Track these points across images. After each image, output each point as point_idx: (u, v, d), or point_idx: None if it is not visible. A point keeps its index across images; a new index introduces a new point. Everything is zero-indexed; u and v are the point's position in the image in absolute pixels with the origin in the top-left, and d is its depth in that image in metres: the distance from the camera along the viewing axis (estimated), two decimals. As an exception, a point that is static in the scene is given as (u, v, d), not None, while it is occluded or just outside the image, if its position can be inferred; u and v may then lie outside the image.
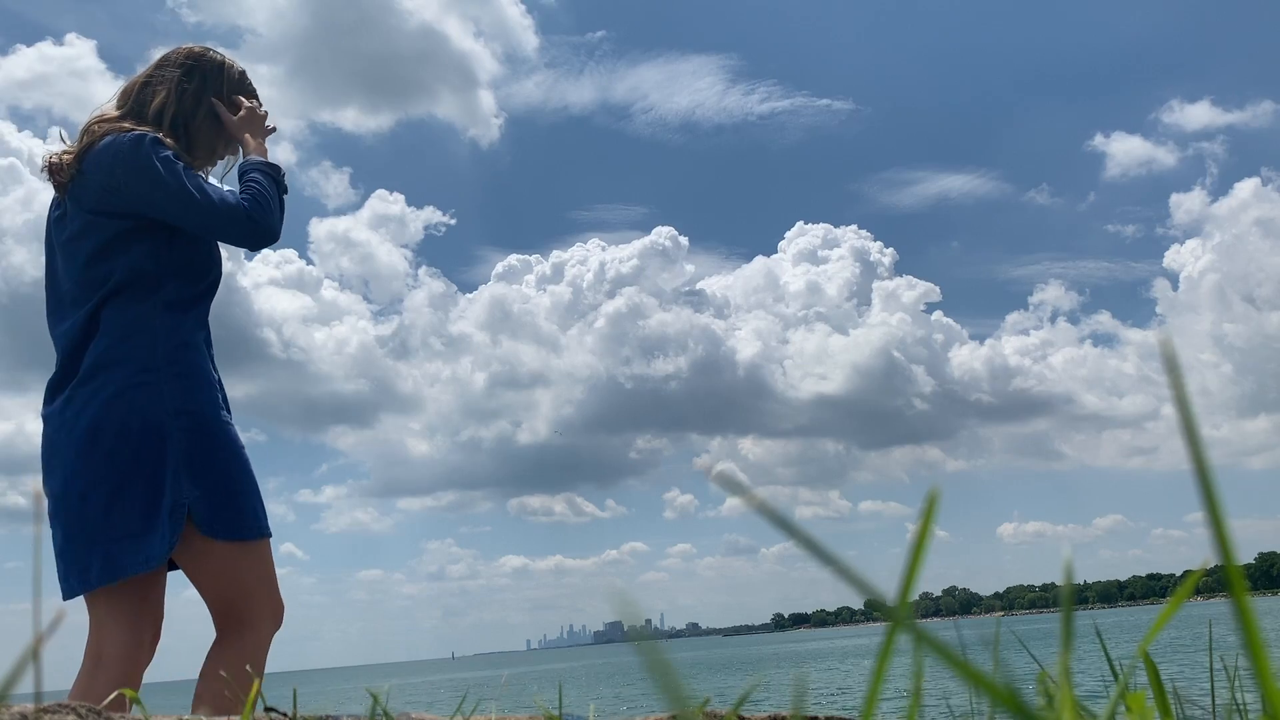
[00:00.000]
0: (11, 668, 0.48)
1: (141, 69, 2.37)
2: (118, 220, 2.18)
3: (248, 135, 2.37)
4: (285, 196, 2.34)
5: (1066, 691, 0.49)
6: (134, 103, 2.30)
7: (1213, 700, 1.00)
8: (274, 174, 2.30)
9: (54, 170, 2.25)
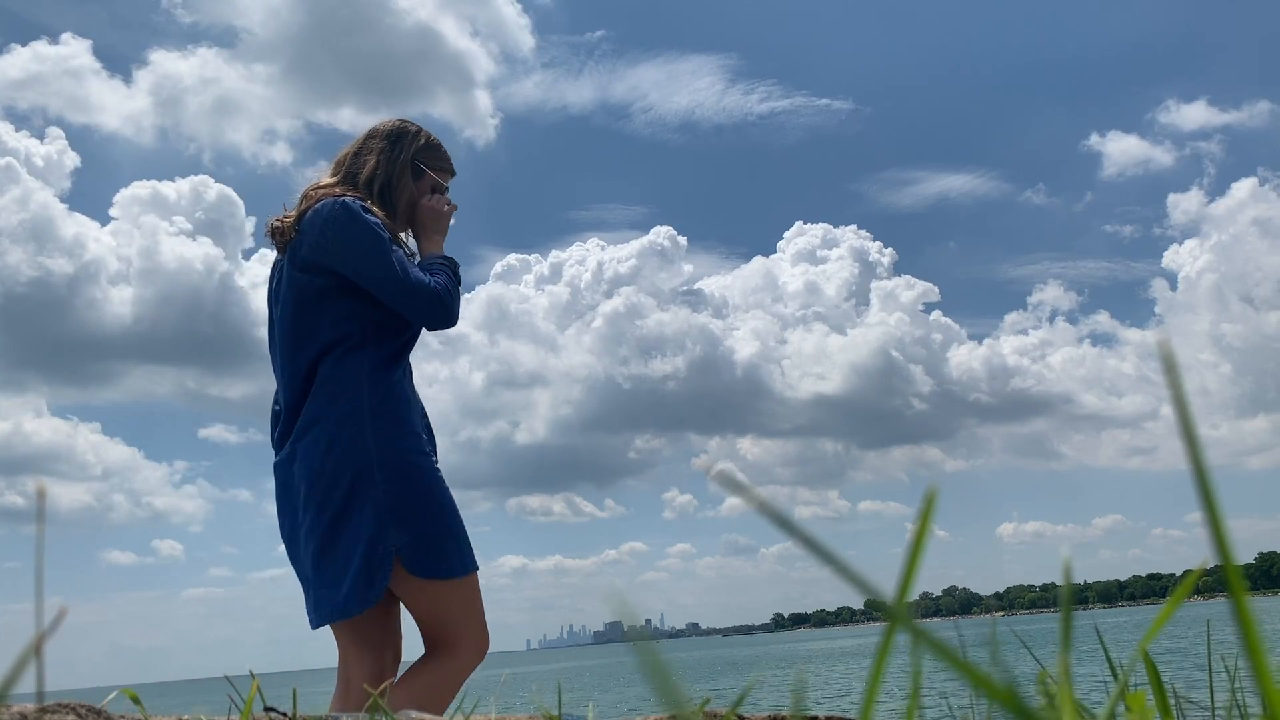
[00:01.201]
0: (12, 667, 0.48)
1: (350, 142, 2.57)
2: (324, 277, 2.34)
3: (432, 230, 2.56)
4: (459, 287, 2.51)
5: (1067, 691, 0.49)
6: (346, 171, 2.50)
7: (1211, 700, 1.00)
8: (455, 269, 2.49)
9: (276, 233, 2.43)
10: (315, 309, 2.34)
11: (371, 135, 2.54)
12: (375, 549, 2.22)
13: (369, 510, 2.23)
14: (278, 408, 2.45)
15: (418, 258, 2.53)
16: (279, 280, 2.44)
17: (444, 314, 2.40)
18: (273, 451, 2.43)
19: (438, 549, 2.27)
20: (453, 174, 2.63)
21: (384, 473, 2.24)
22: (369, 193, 2.46)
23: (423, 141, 2.57)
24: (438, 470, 2.35)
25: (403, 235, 2.55)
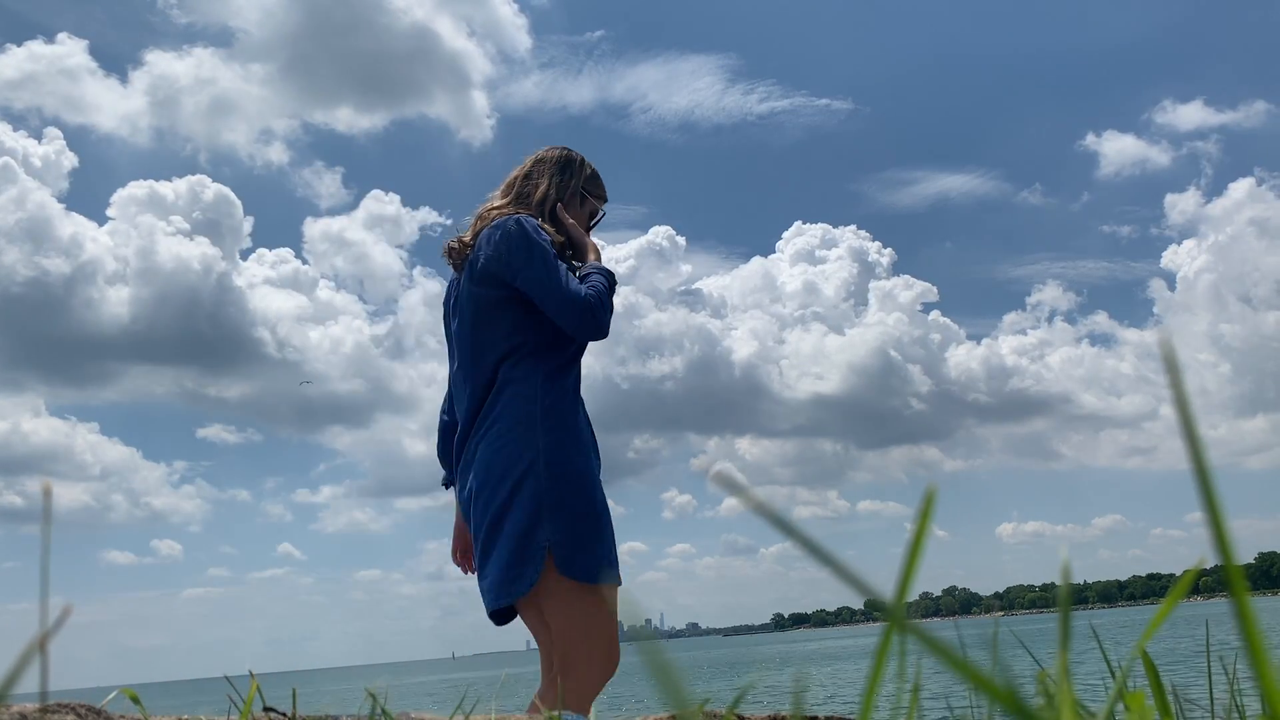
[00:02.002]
0: (14, 665, 0.48)
1: (519, 165, 2.73)
2: (500, 289, 2.50)
3: (590, 242, 2.69)
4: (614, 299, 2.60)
5: (1066, 691, 0.49)
6: (518, 193, 2.67)
7: (1211, 700, 1.00)
8: (611, 279, 2.57)
9: (453, 252, 2.61)
10: (493, 319, 2.50)
11: (541, 161, 2.72)
12: (528, 542, 2.33)
13: (529, 505, 2.34)
14: (446, 418, 2.69)
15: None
16: (456, 296, 2.61)
17: (593, 324, 2.49)
18: (441, 465, 2.66)
19: (588, 551, 2.37)
20: (606, 201, 2.81)
21: (548, 471, 2.36)
22: (540, 213, 2.63)
23: (588, 171, 2.77)
24: (598, 477, 2.48)
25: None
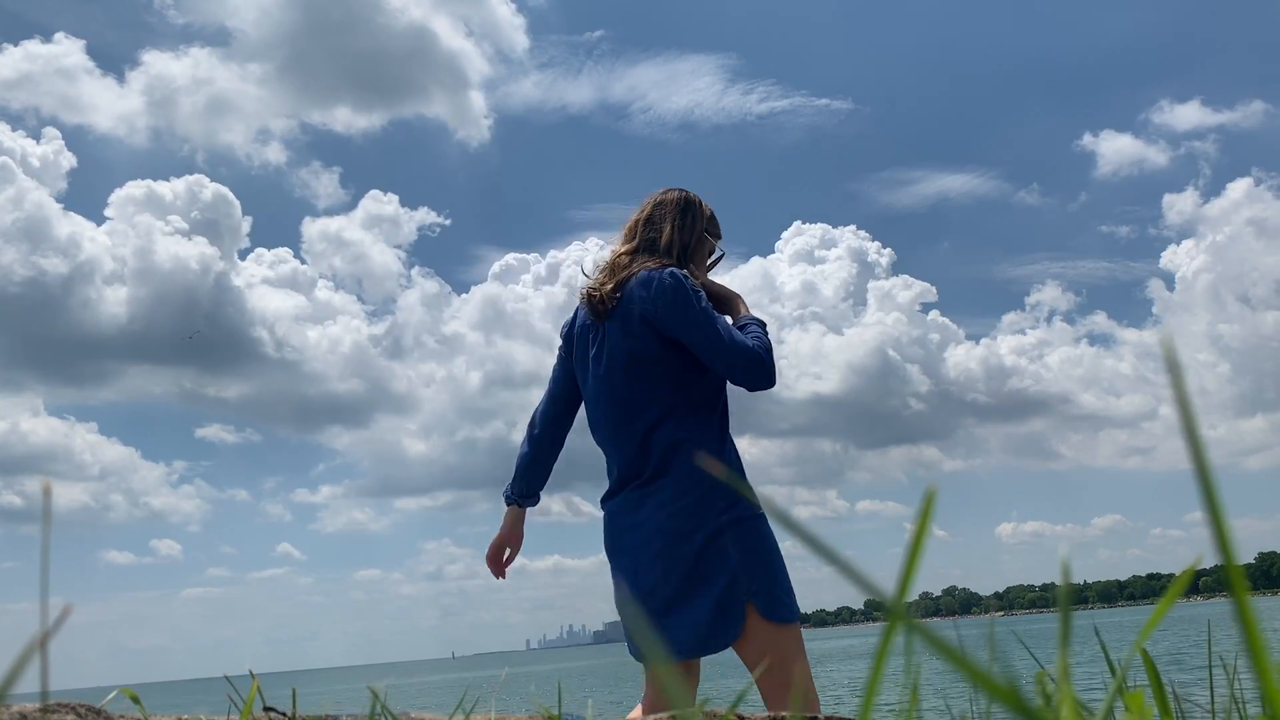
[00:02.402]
0: (14, 664, 0.47)
1: (638, 209, 2.75)
2: (658, 344, 2.53)
3: (736, 293, 2.74)
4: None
5: (1066, 690, 0.49)
6: (641, 239, 2.69)
7: (1211, 699, 1.00)
8: (765, 329, 2.62)
9: (595, 300, 2.62)
10: (652, 375, 2.54)
11: (661, 204, 2.73)
12: (730, 595, 2.42)
13: (725, 560, 2.43)
14: (538, 432, 2.79)
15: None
16: (599, 346, 2.63)
17: (764, 374, 2.53)
18: (605, 498, 2.68)
19: (784, 594, 2.48)
20: (721, 238, 2.83)
21: (738, 527, 2.44)
22: (669, 258, 2.66)
23: (707, 212, 2.77)
24: (766, 519, 2.56)
25: None
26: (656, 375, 2.53)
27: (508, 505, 2.87)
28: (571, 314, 2.78)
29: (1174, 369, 0.31)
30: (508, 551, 2.90)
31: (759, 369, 2.50)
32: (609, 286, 2.59)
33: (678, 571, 2.44)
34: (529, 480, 2.84)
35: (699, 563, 2.43)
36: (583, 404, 2.75)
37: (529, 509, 2.89)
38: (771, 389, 2.56)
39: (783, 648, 2.46)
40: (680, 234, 2.68)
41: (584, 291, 2.67)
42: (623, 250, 2.67)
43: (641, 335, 2.53)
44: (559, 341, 2.84)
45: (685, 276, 2.54)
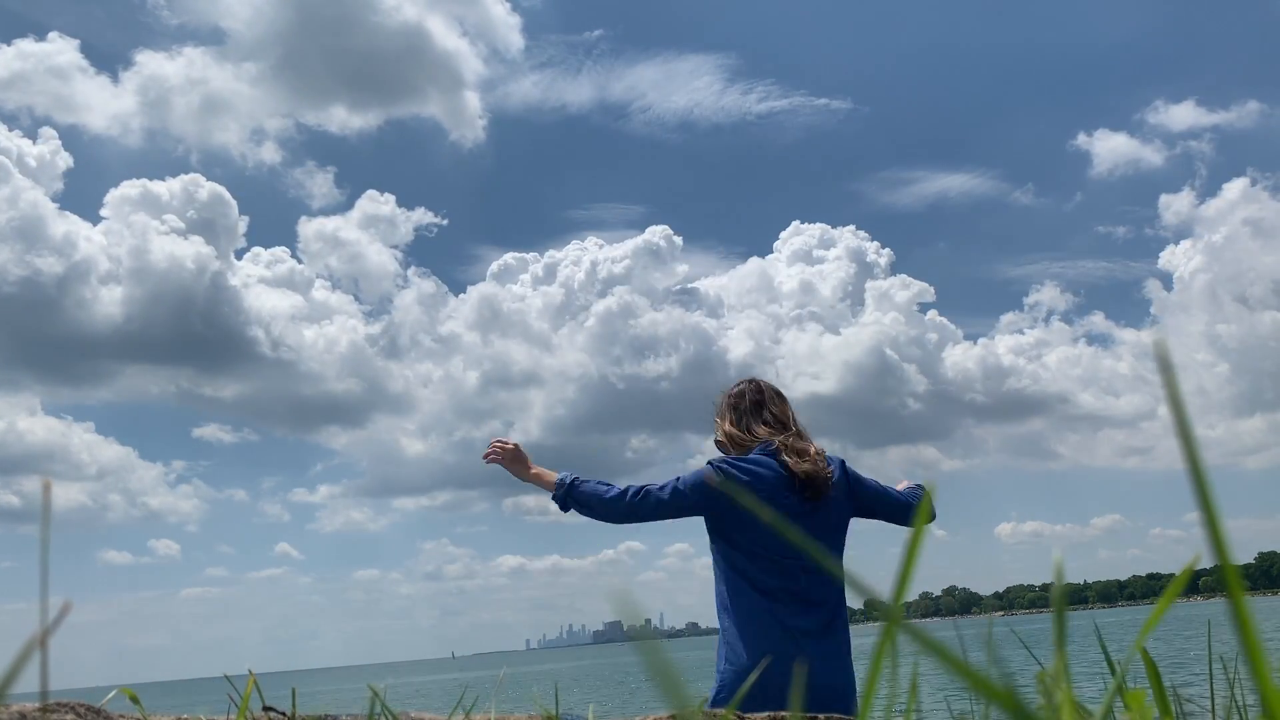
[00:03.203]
0: (13, 662, 0.47)
1: (783, 402, 3.25)
2: (848, 521, 3.14)
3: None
4: None
5: (1065, 690, 0.49)
6: (798, 428, 3.19)
7: (1211, 699, 1.00)
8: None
9: (820, 483, 3.03)
10: (842, 544, 3.15)
11: (784, 398, 3.27)
12: None
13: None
14: (625, 497, 3.07)
15: None
16: (820, 514, 3.06)
17: (931, 510, 3.13)
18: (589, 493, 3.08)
19: None
20: None
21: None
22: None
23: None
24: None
25: None
26: (843, 546, 3.16)
27: (556, 484, 3.14)
28: (747, 466, 3.08)
29: (1167, 369, 0.31)
30: (512, 446, 3.30)
31: (927, 506, 3.09)
32: (826, 471, 3.07)
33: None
34: (586, 490, 3.11)
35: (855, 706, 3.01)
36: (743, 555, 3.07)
37: (553, 493, 3.17)
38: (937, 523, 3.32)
39: None
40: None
41: (819, 474, 3.07)
42: (804, 436, 3.18)
43: (843, 511, 3.11)
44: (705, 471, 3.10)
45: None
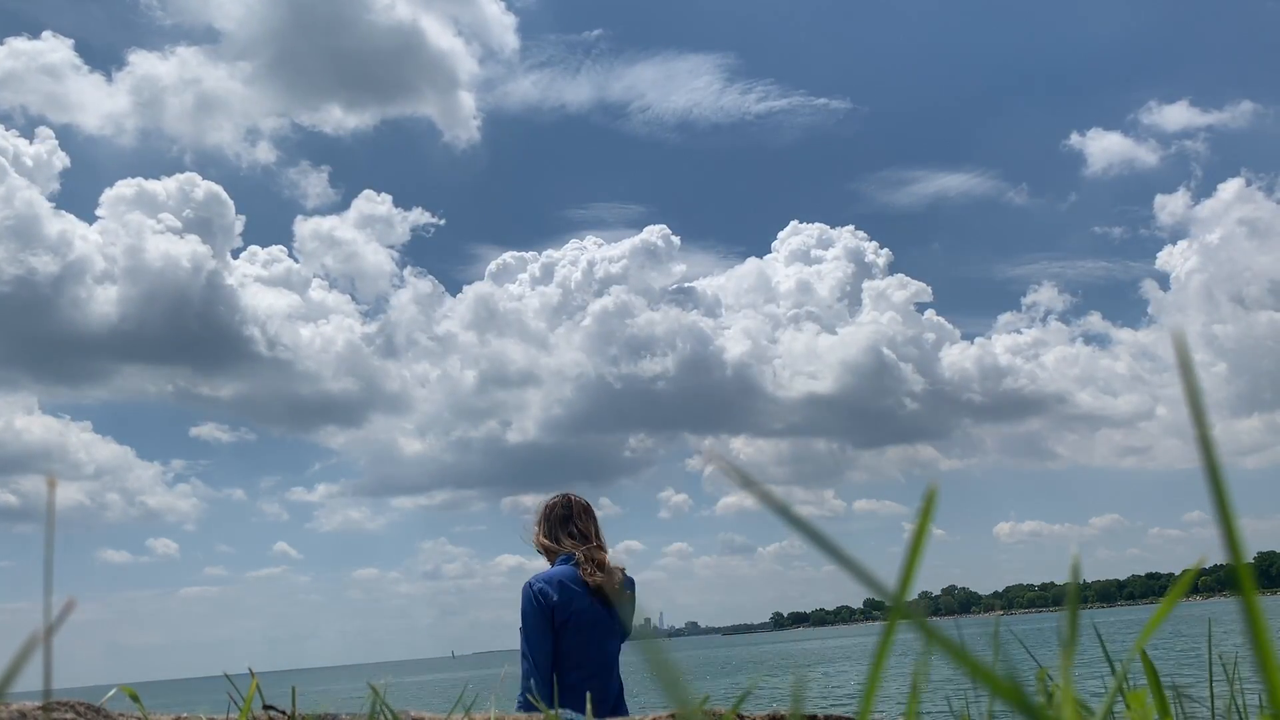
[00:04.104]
0: (14, 659, 0.47)
1: (591, 518, 4.00)
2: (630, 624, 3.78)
3: None
4: None
5: (1068, 688, 0.49)
6: (600, 539, 3.91)
7: (1211, 698, 1.00)
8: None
9: (609, 593, 3.72)
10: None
11: (590, 513, 3.92)
12: None
13: None
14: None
15: None
16: (591, 610, 3.74)
17: None
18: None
19: None
20: None
21: None
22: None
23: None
24: None
25: None
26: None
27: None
28: (550, 579, 3.77)
29: (1185, 363, 0.31)
30: None
31: None
32: (609, 581, 3.72)
33: None
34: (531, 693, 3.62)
35: None
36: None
37: None
38: None
39: None
40: None
41: (594, 581, 3.71)
42: (607, 556, 3.84)
43: (628, 618, 3.74)
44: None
45: None
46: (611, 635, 3.70)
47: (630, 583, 3.82)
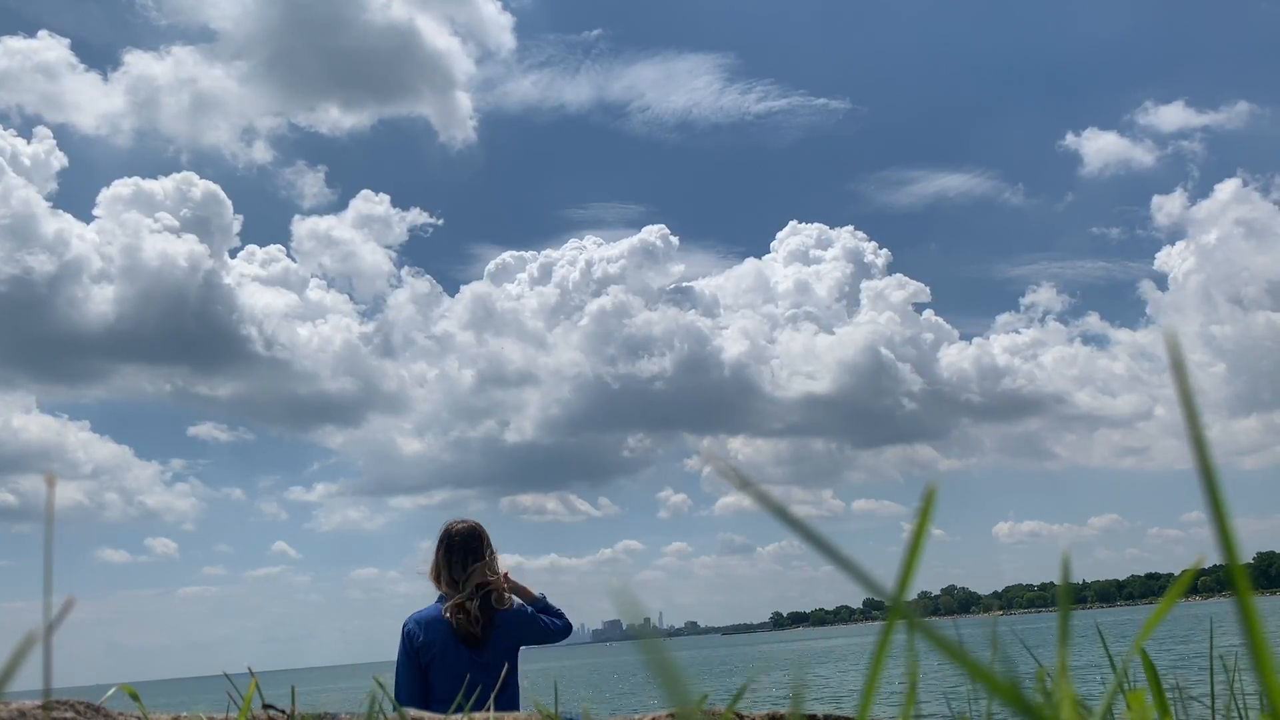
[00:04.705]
0: (12, 657, 0.47)
1: (462, 552, 4.17)
2: (512, 655, 4.07)
3: None
4: None
5: (1065, 688, 0.49)
6: (492, 567, 4.10)
7: (1211, 698, 1.00)
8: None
9: (469, 638, 3.96)
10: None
11: (469, 546, 4.06)
12: None
13: None
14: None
15: None
16: (454, 649, 3.95)
17: None
18: None
19: None
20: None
21: None
22: None
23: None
24: None
25: None
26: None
27: None
28: (420, 622, 4.00)
29: (1179, 364, 0.31)
30: None
31: None
32: (477, 629, 3.96)
33: None
34: None
35: None
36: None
37: None
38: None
39: None
40: None
41: (455, 622, 3.90)
42: (476, 601, 3.96)
43: (509, 649, 4.04)
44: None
45: None
46: (479, 674, 3.72)
47: (518, 613, 3.92)
